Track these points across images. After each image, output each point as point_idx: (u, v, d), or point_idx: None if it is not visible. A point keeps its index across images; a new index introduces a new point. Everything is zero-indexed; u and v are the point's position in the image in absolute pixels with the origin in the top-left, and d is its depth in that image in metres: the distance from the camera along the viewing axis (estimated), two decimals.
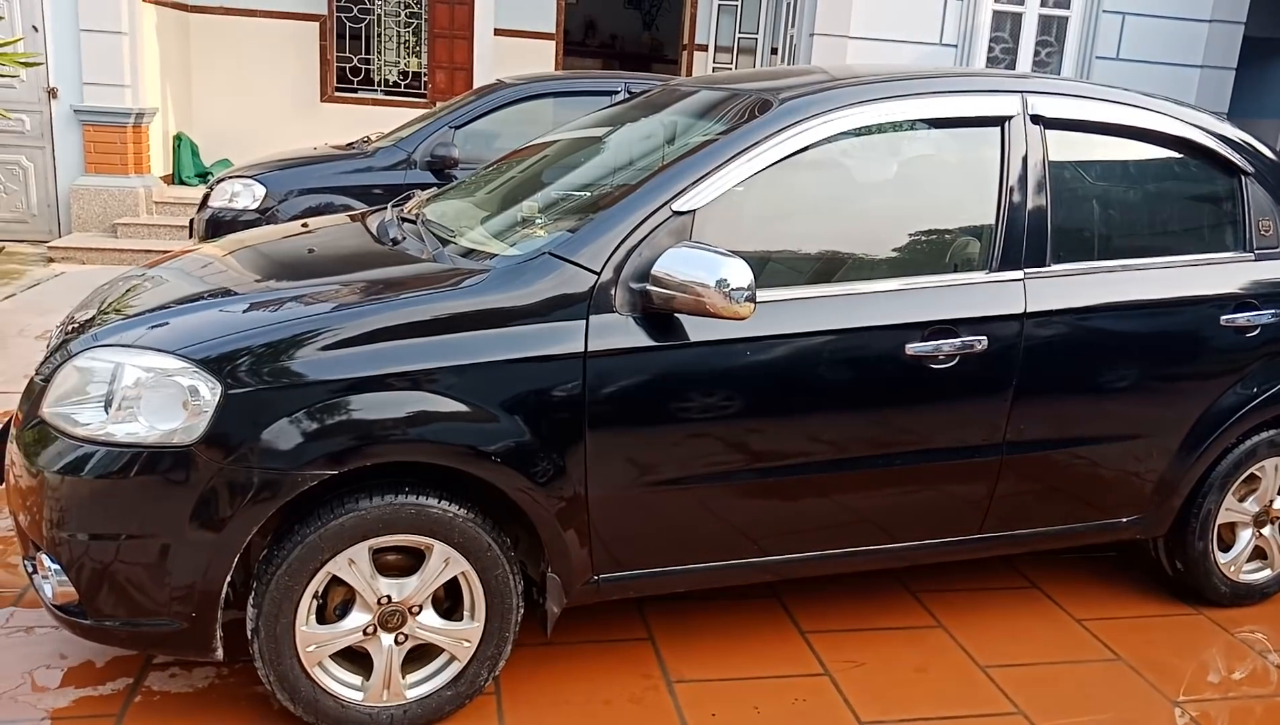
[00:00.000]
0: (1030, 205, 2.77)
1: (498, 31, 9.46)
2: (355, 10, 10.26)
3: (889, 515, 2.77)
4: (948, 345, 2.62)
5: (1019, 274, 2.75)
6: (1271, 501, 3.26)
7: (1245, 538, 3.26)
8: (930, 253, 2.77)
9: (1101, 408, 2.89)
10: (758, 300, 2.36)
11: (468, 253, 2.58)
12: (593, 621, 2.91)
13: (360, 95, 10.37)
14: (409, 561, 2.34)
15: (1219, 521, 3.18)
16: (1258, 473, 3.21)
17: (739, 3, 10.61)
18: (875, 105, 2.68)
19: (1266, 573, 3.32)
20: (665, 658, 2.80)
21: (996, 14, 9.32)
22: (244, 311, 2.34)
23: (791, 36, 9.68)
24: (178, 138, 9.64)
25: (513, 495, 2.31)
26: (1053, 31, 9.45)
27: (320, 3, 10.08)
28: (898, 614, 3.12)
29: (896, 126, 2.76)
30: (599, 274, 2.37)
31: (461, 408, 2.24)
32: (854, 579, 3.22)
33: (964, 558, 2.98)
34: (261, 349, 2.18)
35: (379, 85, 10.48)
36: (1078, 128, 2.89)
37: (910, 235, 2.77)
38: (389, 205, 3.31)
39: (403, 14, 10.38)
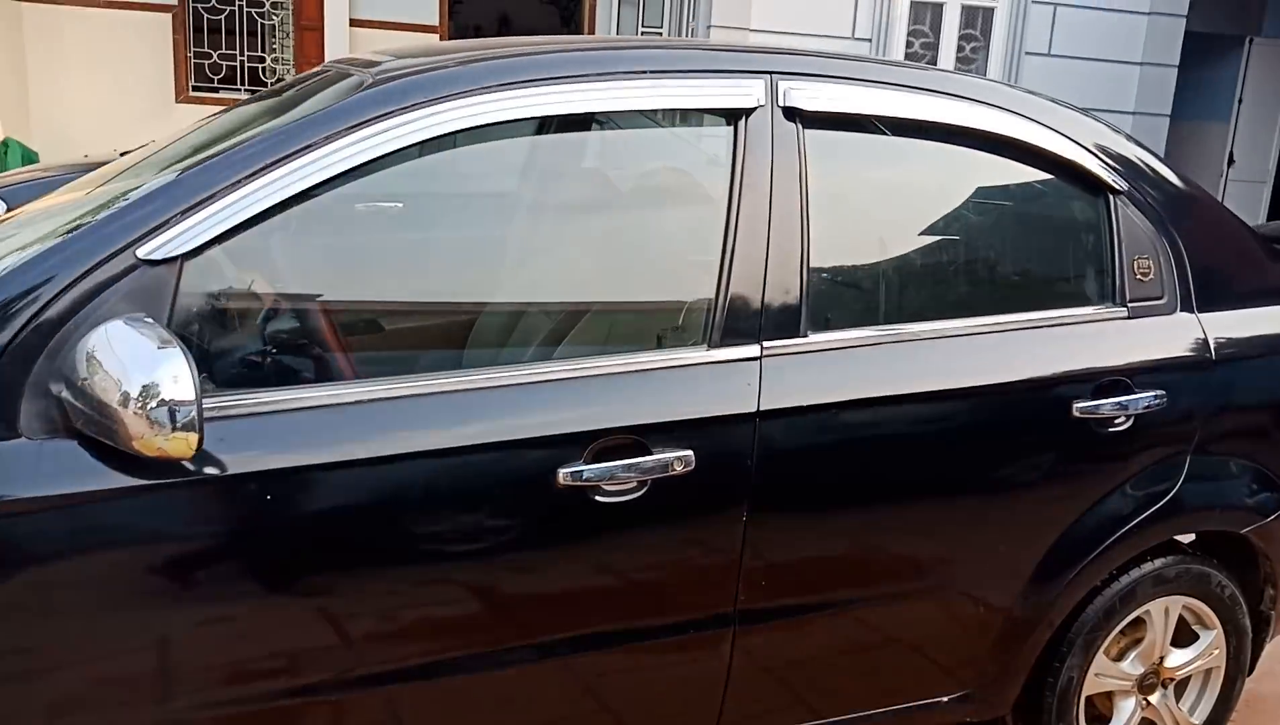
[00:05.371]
0: (776, 244, 1.81)
1: (360, 23, 8.46)
2: (214, 0, 9.22)
3: None
4: (627, 470, 1.66)
5: (753, 350, 1.78)
6: (1162, 658, 2.31)
7: (1127, 710, 2.29)
8: (615, 322, 1.82)
9: (889, 548, 1.94)
10: (311, 402, 1.43)
11: None
12: None
13: (221, 94, 9.33)
14: None
15: (1086, 691, 2.24)
16: (1143, 618, 2.27)
17: None
18: (517, 93, 1.69)
19: None
20: None
21: (915, 5, 8.44)
22: None
23: (692, 30, 8.76)
24: (4, 144, 8.56)
25: None
26: (978, 25, 8.57)
27: None
28: None
29: (563, 125, 1.81)
30: None
31: None
32: None
33: None
34: None
35: (243, 83, 9.44)
36: (855, 126, 1.94)
37: (583, 296, 1.81)
38: None
39: (267, 4, 9.36)
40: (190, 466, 1.41)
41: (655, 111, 1.84)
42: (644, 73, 1.79)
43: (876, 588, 1.95)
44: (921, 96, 1.96)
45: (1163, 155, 2.26)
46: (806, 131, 1.86)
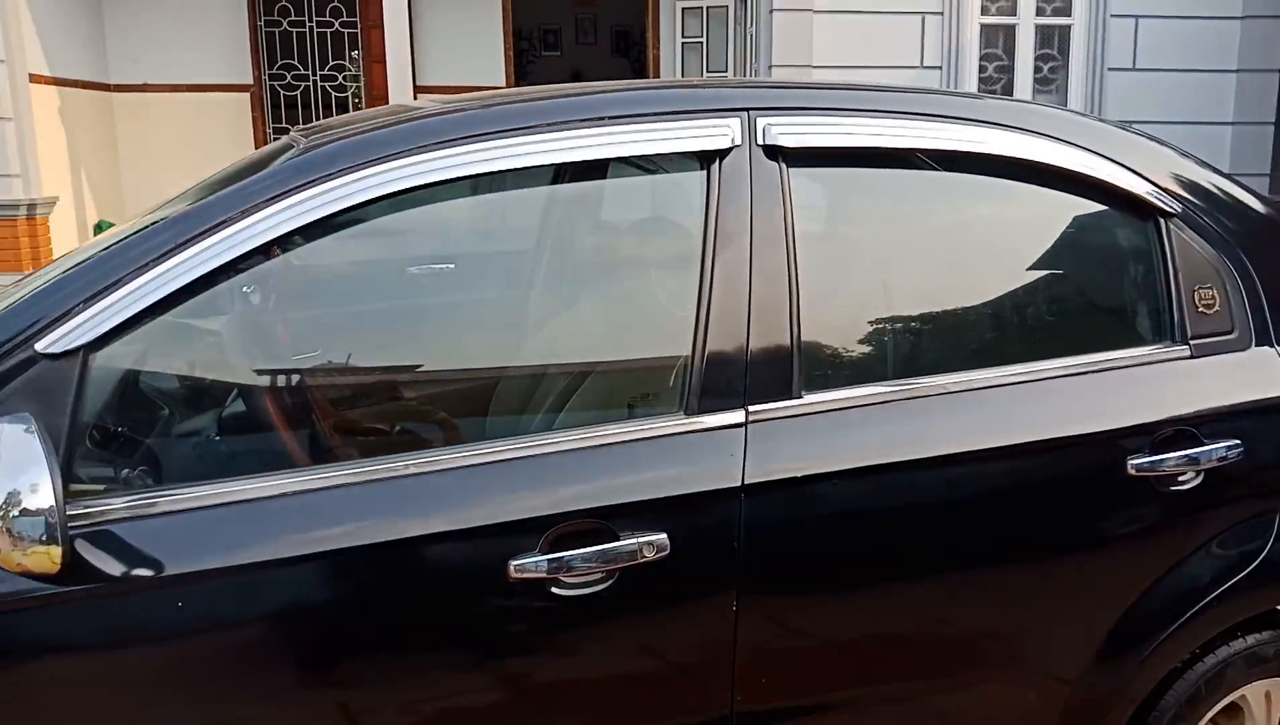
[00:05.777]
0: (760, 297, 1.61)
1: (425, 89, 8.60)
2: (289, 77, 9.51)
3: None
4: (588, 559, 1.46)
5: (737, 415, 1.58)
6: None
7: None
8: (579, 391, 1.63)
9: (910, 636, 1.69)
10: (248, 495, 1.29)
11: None
12: None
13: None
14: None
15: None
16: (1239, 705, 1.95)
17: (704, 39, 9.59)
18: (458, 150, 1.53)
19: None
20: None
21: (986, 28, 8.12)
22: None
23: (755, 70, 8.61)
24: (98, 226, 8.93)
25: None
26: (1054, 44, 8.20)
27: (247, 73, 9.35)
28: None
29: (514, 181, 1.65)
30: None
31: None
32: None
33: None
34: None
35: None
36: (849, 160, 1.73)
37: (541, 364, 1.64)
38: None
39: (341, 77, 9.60)
40: (105, 571, 1.28)
41: (619, 160, 1.66)
42: (602, 119, 1.62)
43: (898, 681, 1.70)
44: (922, 123, 1.74)
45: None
46: (791, 170, 1.66)
